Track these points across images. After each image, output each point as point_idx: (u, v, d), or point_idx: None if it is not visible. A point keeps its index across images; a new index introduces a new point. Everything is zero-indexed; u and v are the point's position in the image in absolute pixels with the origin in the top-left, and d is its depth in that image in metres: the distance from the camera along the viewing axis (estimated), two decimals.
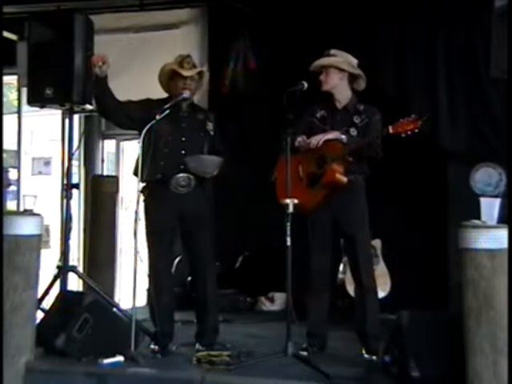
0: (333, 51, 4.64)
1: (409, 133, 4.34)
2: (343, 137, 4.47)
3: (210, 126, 4.68)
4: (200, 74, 4.67)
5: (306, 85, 4.33)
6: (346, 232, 4.60)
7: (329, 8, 6.04)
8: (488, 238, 3.58)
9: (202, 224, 4.62)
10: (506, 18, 5.03)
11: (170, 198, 4.53)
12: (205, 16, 6.90)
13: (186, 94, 4.58)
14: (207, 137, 4.65)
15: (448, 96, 5.79)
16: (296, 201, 4.17)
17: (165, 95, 4.67)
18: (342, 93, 4.63)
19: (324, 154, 4.49)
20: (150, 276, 4.61)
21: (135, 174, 4.53)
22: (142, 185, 4.58)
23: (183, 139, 4.58)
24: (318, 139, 4.49)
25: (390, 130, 4.37)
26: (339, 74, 4.60)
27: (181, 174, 4.52)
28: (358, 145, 4.46)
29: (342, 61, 4.60)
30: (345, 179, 4.45)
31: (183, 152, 4.54)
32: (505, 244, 3.58)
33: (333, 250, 4.71)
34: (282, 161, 4.47)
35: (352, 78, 4.63)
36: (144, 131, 4.36)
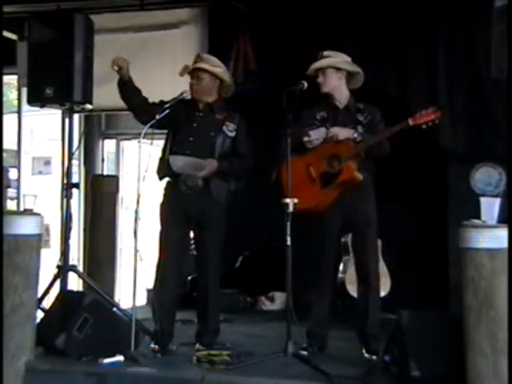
0: (326, 52, 4.62)
1: (430, 124, 4.34)
2: (356, 135, 4.47)
3: (229, 126, 4.64)
4: (208, 72, 4.63)
5: (305, 84, 4.32)
6: (357, 229, 4.59)
7: (329, 8, 6.03)
8: (488, 237, 3.58)
9: (207, 226, 4.61)
10: (506, 18, 5.03)
11: (178, 197, 4.56)
12: (205, 16, 6.89)
13: (186, 93, 4.59)
14: (220, 137, 4.61)
15: (448, 96, 5.79)
16: (296, 200, 4.17)
17: (164, 96, 4.68)
18: (341, 93, 4.62)
19: (338, 153, 4.48)
20: (155, 274, 4.63)
21: (156, 171, 4.60)
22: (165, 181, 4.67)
23: (190, 139, 4.59)
24: (339, 133, 4.46)
25: (410, 123, 4.37)
26: (337, 73, 4.59)
27: (188, 174, 4.52)
28: (375, 141, 4.45)
29: (339, 60, 4.60)
30: (361, 177, 4.46)
31: (188, 152, 4.55)
32: (505, 244, 3.58)
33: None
34: (288, 161, 4.41)
35: (348, 77, 4.63)
36: (144, 131, 4.37)
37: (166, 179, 4.68)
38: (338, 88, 4.61)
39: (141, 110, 4.65)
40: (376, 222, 4.59)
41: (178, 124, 4.59)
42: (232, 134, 4.64)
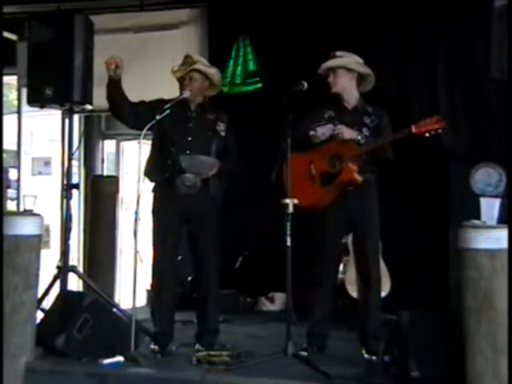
0: (339, 53, 4.62)
1: (432, 132, 4.35)
2: (359, 137, 4.47)
3: (221, 126, 4.66)
4: (201, 72, 4.64)
5: (305, 85, 4.32)
6: (359, 230, 4.60)
7: (329, 8, 6.03)
8: (488, 238, 3.58)
9: (206, 225, 4.61)
10: (506, 18, 5.03)
11: (176, 198, 4.54)
12: (205, 16, 6.90)
13: (186, 93, 4.60)
14: (215, 137, 4.63)
15: (448, 96, 5.79)
16: (296, 200, 4.18)
17: (163, 96, 4.68)
18: (351, 93, 4.63)
19: (339, 153, 4.49)
20: (152, 275, 4.62)
21: (145, 174, 4.56)
22: (153, 184, 4.64)
23: (189, 139, 4.59)
24: (345, 132, 4.47)
25: (413, 130, 4.37)
26: (348, 74, 4.60)
27: (186, 174, 4.51)
28: (377, 145, 4.46)
29: (351, 61, 4.60)
30: (360, 178, 4.46)
31: (188, 152, 4.55)
32: (505, 244, 3.58)
33: None
34: (291, 160, 4.37)
35: (359, 79, 4.64)
36: (144, 131, 4.37)
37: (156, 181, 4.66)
38: (347, 89, 4.61)
39: (127, 113, 4.63)
40: (378, 223, 4.60)
41: (171, 125, 4.56)
42: (223, 134, 4.66)
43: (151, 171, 4.59)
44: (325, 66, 4.62)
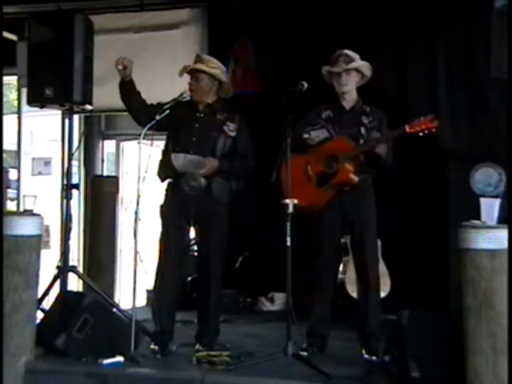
0: (350, 53, 4.60)
1: (426, 132, 4.36)
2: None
3: (230, 126, 4.63)
4: (208, 73, 4.64)
5: (305, 85, 4.32)
6: (356, 230, 4.60)
7: (329, 8, 6.03)
8: (488, 238, 3.59)
9: (210, 225, 4.61)
10: (506, 18, 5.03)
11: (181, 198, 4.56)
12: (205, 16, 6.90)
13: (186, 93, 4.60)
14: (221, 137, 4.61)
15: (448, 96, 5.79)
16: (296, 201, 4.18)
17: (164, 96, 4.69)
18: (352, 94, 4.65)
19: (335, 154, 4.50)
20: (156, 274, 4.63)
21: (157, 173, 4.61)
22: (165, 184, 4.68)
23: (193, 139, 4.59)
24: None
25: (407, 129, 4.38)
26: (357, 76, 4.62)
27: (190, 174, 4.52)
28: (373, 145, 4.45)
29: (364, 64, 4.62)
30: (356, 179, 4.47)
31: (191, 152, 4.55)
32: (505, 244, 3.58)
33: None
34: (290, 160, 4.37)
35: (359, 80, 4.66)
36: (144, 131, 4.38)
37: (168, 180, 4.68)
38: (352, 89, 4.64)
39: (140, 112, 4.66)
40: (375, 223, 4.60)
41: (178, 125, 4.59)
42: (233, 134, 4.64)
43: (159, 170, 4.64)
44: (346, 67, 4.55)
